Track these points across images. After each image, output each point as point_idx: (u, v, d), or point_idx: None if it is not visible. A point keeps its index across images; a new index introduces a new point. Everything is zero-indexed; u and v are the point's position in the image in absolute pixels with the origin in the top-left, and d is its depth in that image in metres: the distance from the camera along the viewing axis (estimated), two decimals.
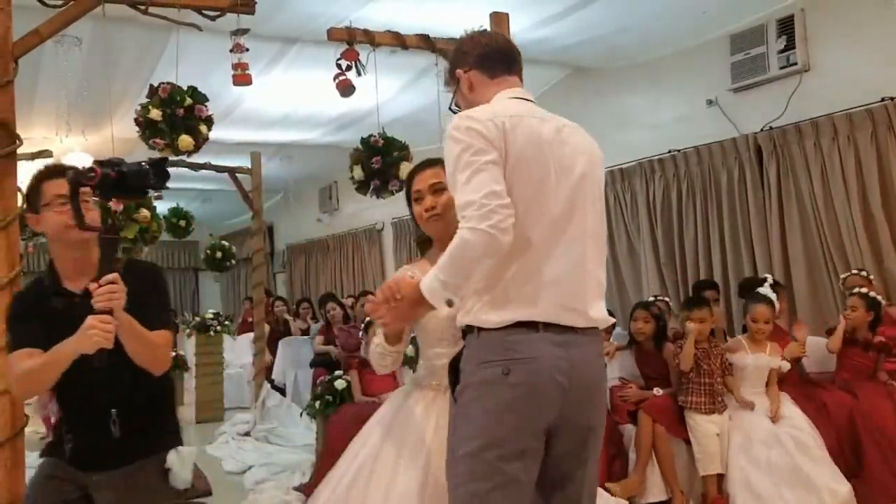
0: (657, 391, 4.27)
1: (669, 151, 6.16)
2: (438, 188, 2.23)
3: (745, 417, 4.11)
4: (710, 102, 5.89)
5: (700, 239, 5.97)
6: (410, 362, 3.80)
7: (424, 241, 2.40)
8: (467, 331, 1.96)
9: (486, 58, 2.13)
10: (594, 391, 2.00)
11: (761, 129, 5.52)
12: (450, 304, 1.88)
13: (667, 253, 6.21)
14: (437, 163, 2.25)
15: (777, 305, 4.31)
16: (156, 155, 5.30)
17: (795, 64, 5.27)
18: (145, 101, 4.19)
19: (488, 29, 2.24)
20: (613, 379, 4.52)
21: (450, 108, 2.25)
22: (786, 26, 5.33)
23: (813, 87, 5.25)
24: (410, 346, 3.41)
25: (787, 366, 4.23)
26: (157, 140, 4.07)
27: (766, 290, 4.37)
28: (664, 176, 6.22)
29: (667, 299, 5.23)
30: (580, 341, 1.95)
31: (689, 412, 4.10)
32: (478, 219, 1.78)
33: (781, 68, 5.35)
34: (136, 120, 4.14)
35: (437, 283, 1.83)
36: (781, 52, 5.34)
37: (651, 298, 5.00)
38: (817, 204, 5.17)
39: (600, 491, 3.71)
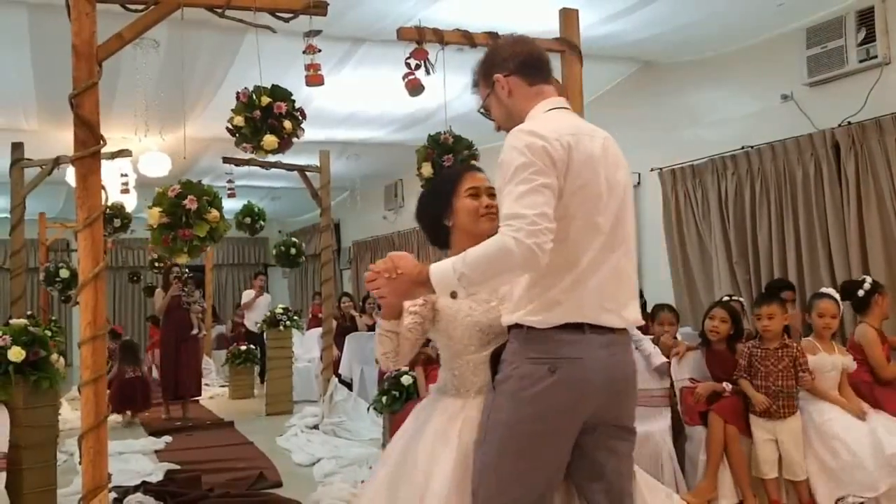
0: (727, 385, 4.20)
1: (742, 148, 6.01)
2: (492, 193, 2.31)
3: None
4: (784, 97, 5.73)
5: (774, 238, 5.80)
6: None
7: (443, 245, 2.42)
8: (514, 328, 2.05)
9: (526, 64, 2.19)
10: (628, 389, 2.14)
11: (839, 125, 5.33)
12: (453, 295, 1.89)
13: (739, 252, 6.06)
14: (482, 170, 2.41)
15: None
16: (245, 157, 5.43)
17: (875, 57, 5.08)
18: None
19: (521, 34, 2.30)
20: (683, 380, 4.42)
21: (479, 111, 2.33)
22: (865, 18, 5.14)
23: (894, 80, 5.06)
24: None
25: (853, 365, 4.15)
26: (246, 145, 4.20)
27: (827, 290, 4.43)
28: (737, 173, 6.06)
29: (741, 299, 5.10)
30: (619, 341, 2.08)
31: (751, 413, 4.07)
32: (526, 233, 1.83)
33: (861, 61, 5.16)
34: (227, 129, 4.29)
35: (452, 272, 1.86)
36: (861, 44, 5.15)
37: (725, 298, 4.87)
38: None
39: (670, 492, 3.67)
